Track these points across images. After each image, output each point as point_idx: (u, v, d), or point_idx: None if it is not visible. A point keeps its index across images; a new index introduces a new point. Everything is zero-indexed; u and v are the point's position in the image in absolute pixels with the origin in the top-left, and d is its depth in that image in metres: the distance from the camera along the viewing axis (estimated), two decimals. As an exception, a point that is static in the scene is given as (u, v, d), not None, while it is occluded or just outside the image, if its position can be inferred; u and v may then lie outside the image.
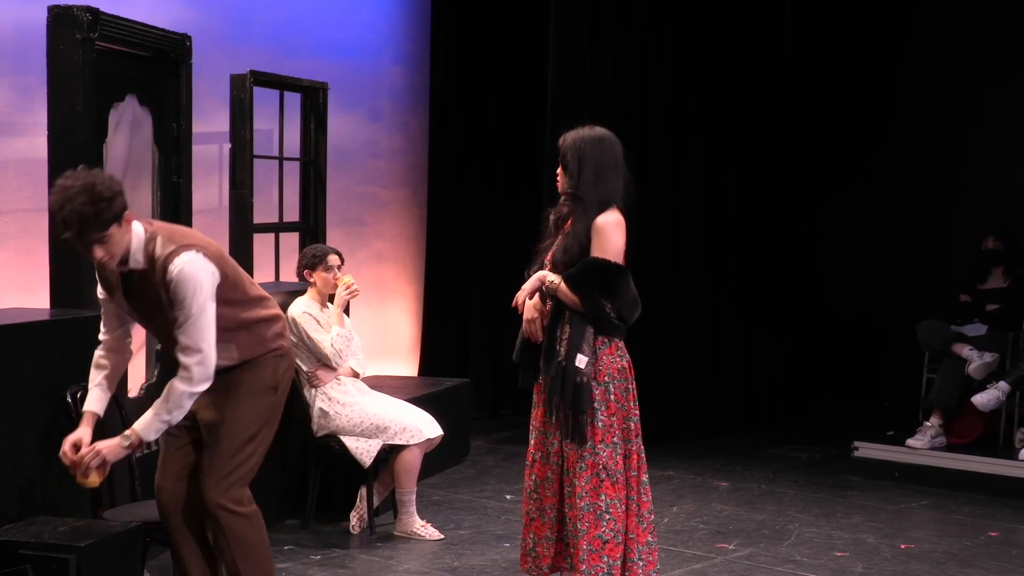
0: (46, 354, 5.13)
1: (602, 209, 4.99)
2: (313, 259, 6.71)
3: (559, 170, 5.11)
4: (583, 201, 5.01)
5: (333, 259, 6.71)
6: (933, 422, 8.30)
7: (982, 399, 8.12)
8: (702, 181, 9.67)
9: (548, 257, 5.09)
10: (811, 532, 6.91)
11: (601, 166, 5.03)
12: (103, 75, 5.96)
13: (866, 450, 8.42)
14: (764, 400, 10.26)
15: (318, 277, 6.70)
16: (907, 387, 9.30)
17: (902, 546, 6.69)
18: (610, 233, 5.00)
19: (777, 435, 9.64)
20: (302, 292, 6.78)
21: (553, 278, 5.02)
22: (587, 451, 5.02)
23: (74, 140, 5.80)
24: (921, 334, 8.74)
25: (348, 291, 6.62)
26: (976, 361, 8.26)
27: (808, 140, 10.37)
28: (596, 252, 4.97)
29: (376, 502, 6.75)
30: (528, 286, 5.08)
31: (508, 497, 7.56)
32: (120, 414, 5.28)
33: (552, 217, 5.15)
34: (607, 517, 5.01)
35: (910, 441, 8.28)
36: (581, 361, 5.02)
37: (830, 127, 10.42)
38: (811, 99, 10.34)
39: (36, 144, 6.28)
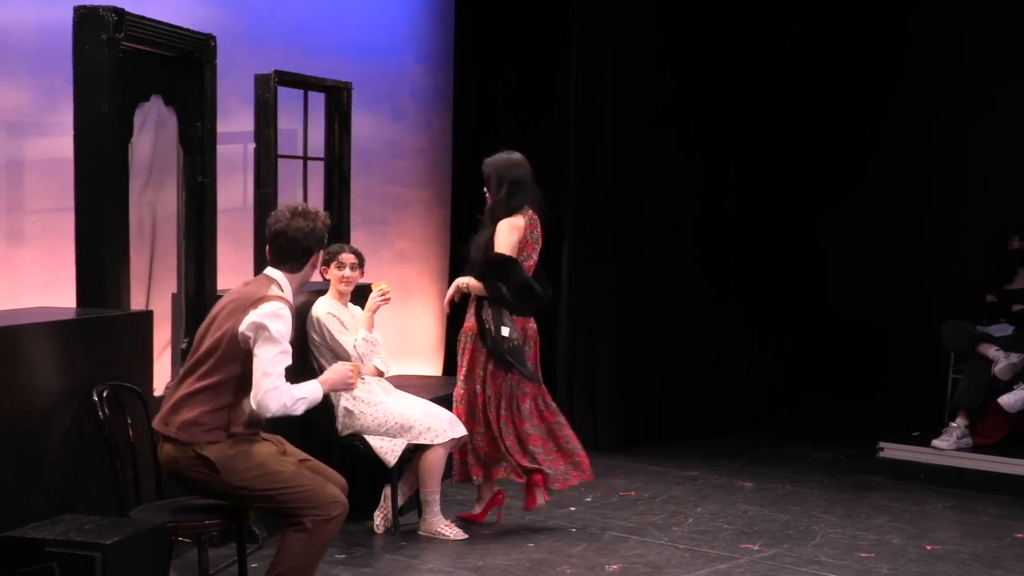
0: (71, 353, 5.15)
1: (500, 217, 6.48)
2: (328, 255, 6.73)
3: (484, 189, 6.60)
4: (497, 212, 6.52)
5: (345, 257, 6.71)
6: (959, 423, 8.27)
7: (1008, 400, 8.08)
8: (713, 185, 9.68)
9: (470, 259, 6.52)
10: (836, 533, 6.89)
11: (514, 185, 6.54)
12: (128, 75, 5.98)
13: (891, 451, 8.39)
14: (786, 400, 10.24)
15: (331, 274, 6.72)
16: (933, 388, 9.26)
17: (927, 547, 6.66)
18: (503, 232, 6.52)
19: (800, 436, 9.62)
20: (324, 291, 6.79)
21: (466, 279, 6.60)
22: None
23: (99, 140, 5.81)
24: (946, 334, 8.70)
25: (382, 296, 6.62)
26: (1002, 362, 8.22)
27: (811, 140, 10.35)
28: (494, 248, 6.50)
29: (400, 501, 6.75)
30: (449, 293, 6.71)
31: (532, 497, 7.56)
32: (145, 413, 5.30)
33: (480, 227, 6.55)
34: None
35: (936, 442, 8.24)
36: (504, 331, 6.54)
37: (833, 128, 10.40)
38: (814, 98, 10.31)
39: (61, 144, 6.29)
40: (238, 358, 4.88)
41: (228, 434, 4.92)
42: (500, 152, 6.71)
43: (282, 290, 5.01)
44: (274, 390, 4.79)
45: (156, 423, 5.01)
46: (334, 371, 5.12)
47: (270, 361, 4.79)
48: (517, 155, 6.63)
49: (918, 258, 10.20)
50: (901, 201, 10.24)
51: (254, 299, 4.87)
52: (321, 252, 5.16)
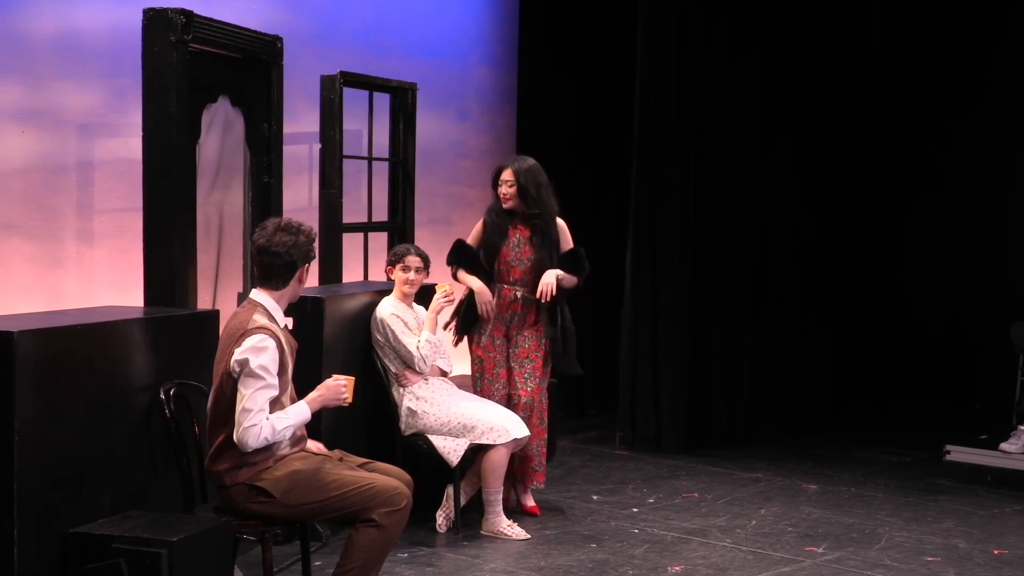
0: (139, 351, 5.20)
1: (555, 217, 6.92)
2: (393, 256, 6.76)
3: (512, 190, 6.83)
4: (544, 215, 6.86)
5: (411, 260, 6.72)
6: (1027, 426, 8.16)
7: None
8: (787, 184, 9.60)
9: (528, 261, 6.88)
10: (901, 536, 6.81)
11: (546, 188, 6.90)
12: (196, 77, 6.03)
13: (958, 454, 8.29)
14: (851, 402, 10.14)
15: (396, 275, 6.74)
16: (1001, 390, 9.14)
17: (995, 552, 6.56)
18: (566, 229, 7.04)
19: (866, 437, 9.52)
20: (389, 291, 6.82)
21: (557, 273, 6.85)
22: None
23: (168, 141, 5.87)
24: (1015, 335, 8.58)
25: (445, 297, 6.63)
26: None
27: (891, 136, 10.24)
28: (569, 245, 6.99)
29: (463, 501, 6.76)
30: (547, 287, 6.81)
31: (595, 498, 7.54)
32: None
33: (495, 221, 6.90)
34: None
35: (1003, 445, 8.13)
36: (568, 320, 7.07)
37: (914, 124, 10.26)
38: (895, 96, 10.20)
39: (130, 145, 6.37)
40: None
41: (276, 458, 4.96)
42: (517, 158, 6.99)
43: (268, 313, 4.97)
44: (253, 427, 4.79)
45: (207, 464, 5.03)
46: (326, 387, 5.05)
47: (249, 397, 4.80)
48: (533, 160, 6.97)
49: (995, 259, 10.05)
50: (981, 200, 10.09)
51: (238, 335, 4.87)
52: (307, 267, 5.07)
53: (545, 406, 7.03)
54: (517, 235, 6.94)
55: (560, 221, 7.00)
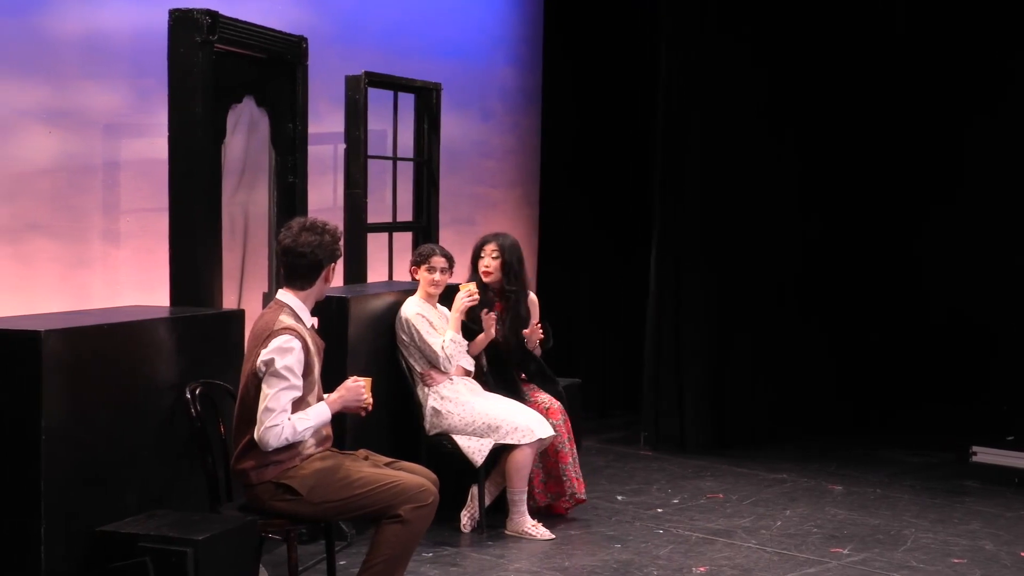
0: (165, 351, 5.21)
1: (528, 293, 7.09)
2: (419, 257, 6.77)
3: (497, 263, 6.93)
4: (519, 290, 6.98)
5: (437, 260, 6.73)
6: (1054, 428, 8.11)
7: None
8: (804, 186, 9.59)
9: (499, 335, 6.93)
10: (927, 538, 6.78)
11: (523, 264, 7.08)
12: (221, 77, 6.04)
13: (984, 455, 8.24)
14: (877, 403, 10.10)
15: (421, 276, 6.74)
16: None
17: (1022, 553, 6.52)
18: (538, 305, 7.20)
19: (891, 439, 9.48)
20: (413, 291, 6.82)
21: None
22: None
23: (193, 141, 5.88)
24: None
25: (469, 297, 6.63)
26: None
27: (908, 139, 10.15)
28: (536, 319, 7.13)
29: (487, 501, 6.75)
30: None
31: (619, 498, 7.53)
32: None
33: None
34: None
35: (1030, 446, 8.09)
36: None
37: (930, 126, 10.17)
38: (910, 98, 10.11)
39: (156, 145, 6.38)
40: None
41: (302, 457, 4.97)
42: (499, 234, 7.11)
43: (294, 313, 4.99)
44: (274, 427, 4.81)
45: (232, 463, 5.05)
46: (346, 388, 5.06)
47: (272, 397, 4.82)
48: (513, 236, 7.19)
49: (1018, 260, 9.98)
50: (999, 202, 10.02)
51: (265, 336, 4.89)
52: (333, 266, 5.09)
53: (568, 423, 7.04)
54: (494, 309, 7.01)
55: (532, 296, 7.15)
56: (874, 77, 9.89)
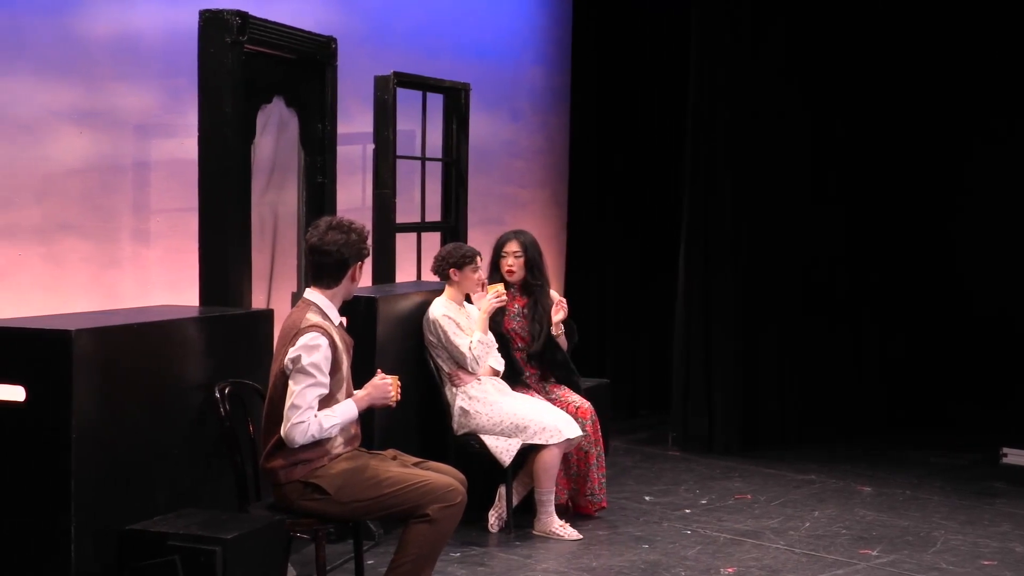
0: (194, 350, 5.23)
1: (549, 287, 7.11)
2: (463, 257, 6.72)
3: (520, 261, 6.96)
4: (543, 285, 7.03)
5: (479, 260, 6.76)
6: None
7: None
8: (839, 184, 9.54)
9: (524, 330, 7.01)
10: (957, 540, 6.74)
11: (543, 257, 7.11)
12: (251, 77, 6.06)
13: (1015, 456, 8.19)
14: (906, 403, 10.05)
15: (465, 276, 6.72)
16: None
17: (1053, 556, 6.48)
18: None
19: (920, 439, 9.43)
20: (441, 291, 6.82)
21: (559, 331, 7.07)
22: None
23: (223, 141, 5.90)
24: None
25: (496, 297, 6.63)
26: None
27: (942, 134, 10.08)
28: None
29: (515, 501, 6.75)
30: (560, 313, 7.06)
31: (647, 498, 7.51)
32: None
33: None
34: None
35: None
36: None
37: (962, 120, 10.11)
38: (945, 93, 10.05)
39: (186, 145, 6.41)
40: None
41: (330, 456, 4.98)
42: (517, 231, 7.11)
43: (322, 312, 5.00)
44: (300, 424, 4.82)
45: (261, 462, 5.06)
46: (373, 386, 5.05)
47: (299, 394, 4.83)
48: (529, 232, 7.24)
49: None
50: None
51: (293, 333, 4.90)
52: (360, 265, 5.09)
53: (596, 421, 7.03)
54: (516, 305, 7.04)
55: (554, 293, 7.14)
56: (909, 71, 9.83)
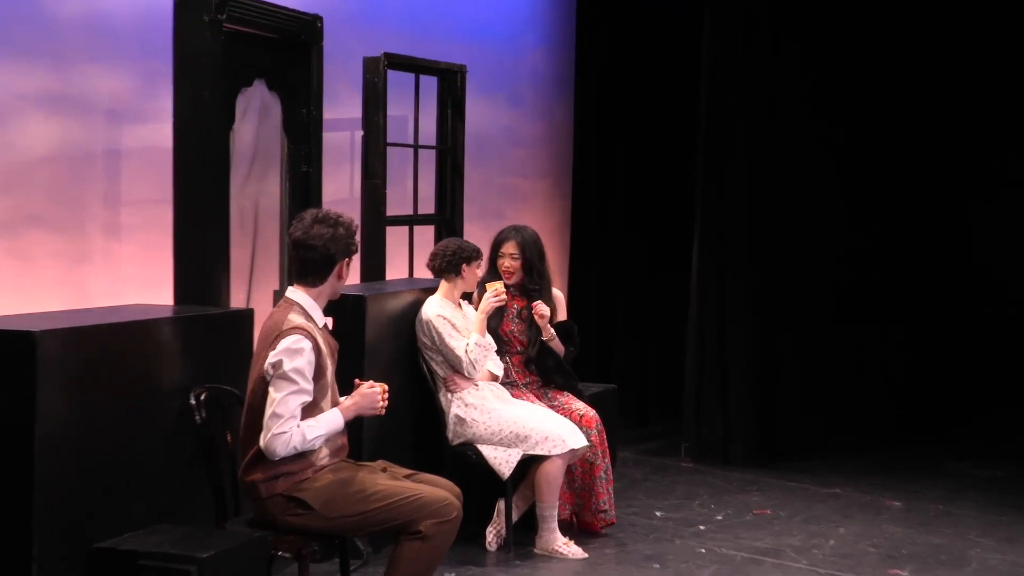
0: (169, 353, 5.22)
1: (551, 287, 7.07)
2: (471, 254, 6.71)
3: (517, 263, 6.91)
4: (542, 285, 6.98)
5: (483, 256, 6.76)
6: None
7: None
8: (855, 186, 9.60)
9: (523, 333, 7.00)
10: (995, 559, 6.73)
11: (545, 257, 7.09)
12: (231, 59, 6.05)
13: (1055, 469, 8.19)
14: (937, 411, 10.05)
15: (470, 273, 6.71)
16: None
17: (1097, 576, 6.47)
18: (563, 301, 7.31)
19: (953, 450, 9.43)
20: (435, 289, 6.79)
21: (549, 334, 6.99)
22: None
23: (201, 127, 5.90)
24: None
25: (496, 297, 6.61)
26: None
27: (962, 134, 10.14)
28: (563, 316, 7.14)
29: (515, 516, 6.73)
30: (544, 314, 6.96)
31: (658, 514, 7.51)
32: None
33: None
34: None
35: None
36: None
37: (984, 117, 10.14)
38: (962, 88, 10.08)
39: (161, 131, 6.39)
40: None
41: (315, 469, 4.95)
42: (517, 228, 7.04)
43: (305, 312, 4.97)
44: (282, 434, 4.79)
45: (240, 474, 5.03)
46: (361, 395, 5.03)
47: (280, 402, 4.80)
48: (532, 228, 7.15)
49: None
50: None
51: (274, 336, 4.88)
52: (348, 261, 5.05)
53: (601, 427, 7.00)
54: (515, 306, 7.00)
55: (556, 292, 7.13)
56: (925, 74, 9.88)
